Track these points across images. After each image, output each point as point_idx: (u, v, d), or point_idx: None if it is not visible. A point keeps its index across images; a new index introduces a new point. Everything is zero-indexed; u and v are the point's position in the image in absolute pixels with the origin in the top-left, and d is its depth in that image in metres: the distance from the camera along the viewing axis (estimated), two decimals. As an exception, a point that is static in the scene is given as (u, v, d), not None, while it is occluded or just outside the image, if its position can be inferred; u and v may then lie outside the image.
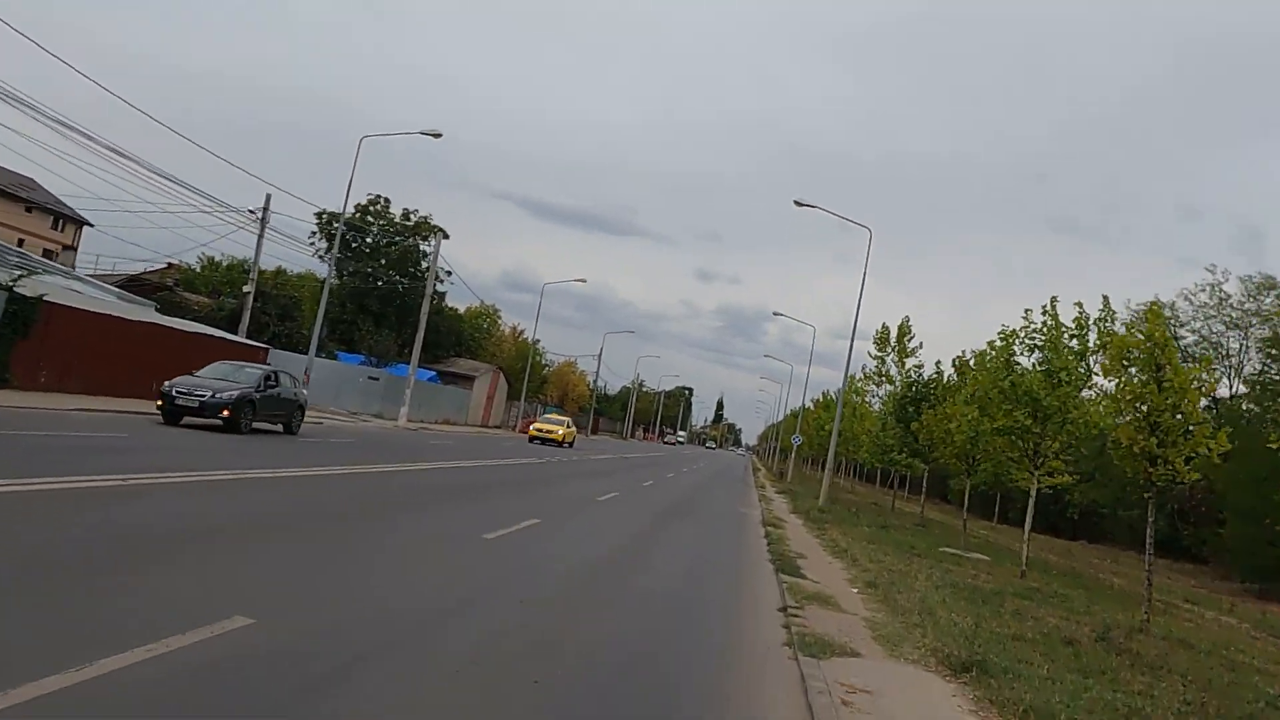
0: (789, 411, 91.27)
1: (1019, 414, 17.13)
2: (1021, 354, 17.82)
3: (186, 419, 18.79)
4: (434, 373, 46.51)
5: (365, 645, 5.38)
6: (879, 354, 41.26)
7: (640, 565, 11.17)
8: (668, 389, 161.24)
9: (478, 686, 5.14)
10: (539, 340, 62.46)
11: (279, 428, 21.39)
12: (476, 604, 7.31)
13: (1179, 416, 12.34)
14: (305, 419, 23.19)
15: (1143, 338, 13.10)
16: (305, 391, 24.57)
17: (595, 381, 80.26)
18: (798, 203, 31.79)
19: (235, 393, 18.83)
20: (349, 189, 36.10)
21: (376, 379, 37.96)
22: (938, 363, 31.54)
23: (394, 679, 4.86)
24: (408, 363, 43.89)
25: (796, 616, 8.58)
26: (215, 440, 17.24)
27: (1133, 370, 12.96)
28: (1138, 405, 12.60)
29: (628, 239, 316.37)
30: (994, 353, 18.41)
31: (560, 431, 44.02)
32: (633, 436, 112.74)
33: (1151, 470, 12.29)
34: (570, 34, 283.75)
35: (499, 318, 65.03)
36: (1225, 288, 43.32)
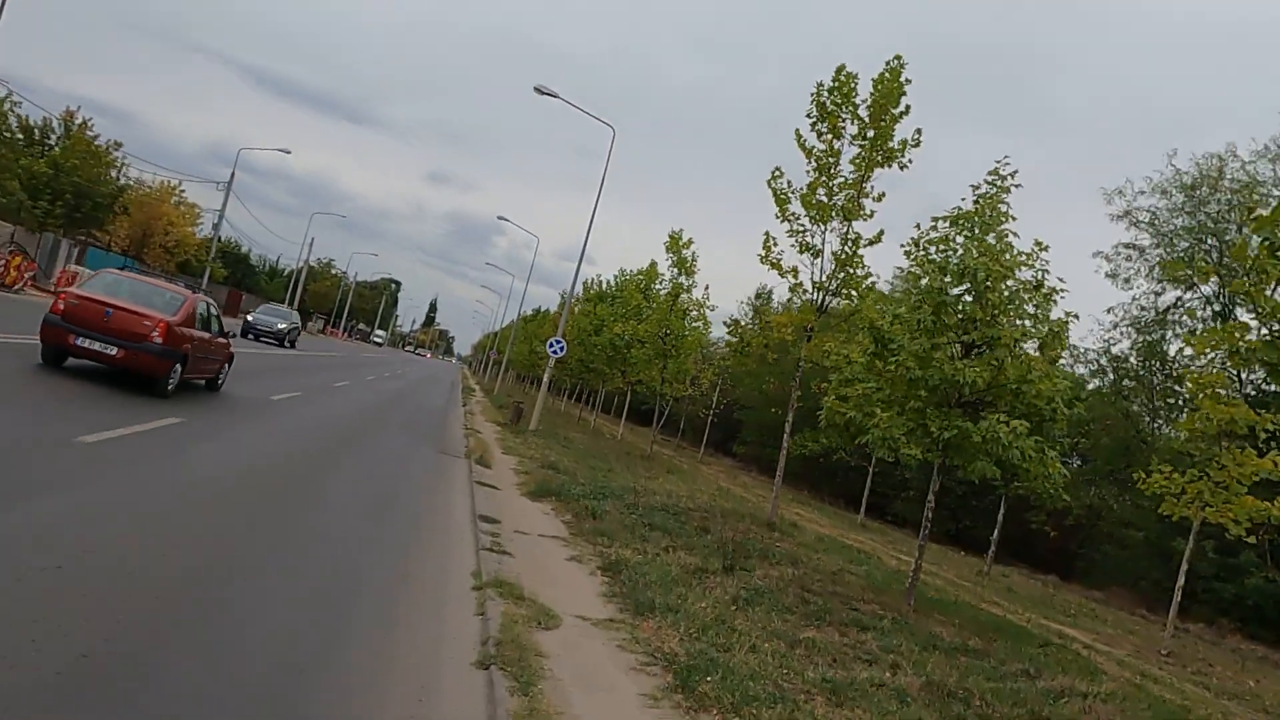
0: (521, 315, 65.65)
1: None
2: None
3: None
4: None
5: None
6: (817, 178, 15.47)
7: None
8: (365, 278, 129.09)
9: None
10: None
11: None
12: None
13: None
14: None
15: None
16: None
17: (219, 222, 47.08)
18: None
19: None
20: None
21: None
22: None
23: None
24: None
25: None
26: None
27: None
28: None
29: (361, 128, 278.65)
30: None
31: None
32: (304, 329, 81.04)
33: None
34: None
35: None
36: None
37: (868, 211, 15.68)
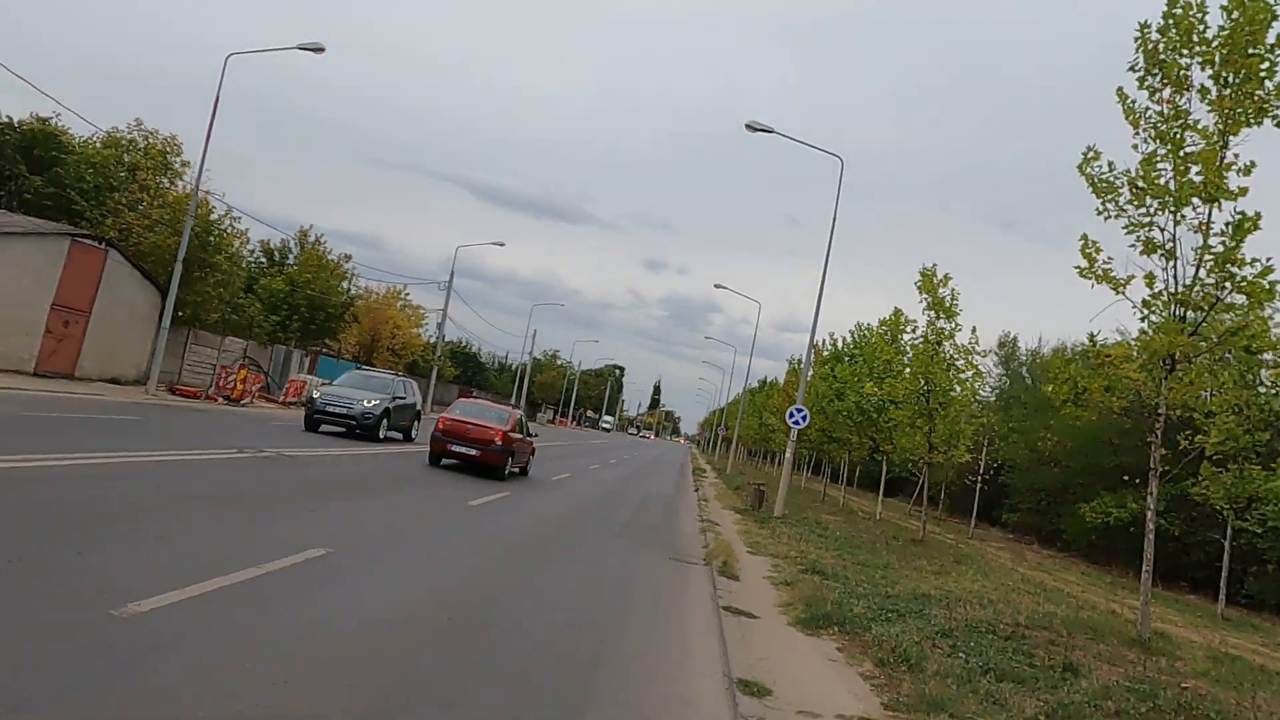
0: (746, 388, 62.28)
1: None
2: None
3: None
4: None
5: None
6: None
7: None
8: (590, 366, 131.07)
9: None
10: (210, 189, 27.67)
11: None
12: None
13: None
14: None
15: None
16: None
17: (442, 321, 47.57)
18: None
19: None
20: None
21: None
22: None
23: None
24: None
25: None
26: None
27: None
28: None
29: (579, 226, 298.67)
30: None
31: None
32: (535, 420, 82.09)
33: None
34: (520, 13, 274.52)
35: (172, 158, 31.03)
36: None
37: (1234, 189, 10.99)
